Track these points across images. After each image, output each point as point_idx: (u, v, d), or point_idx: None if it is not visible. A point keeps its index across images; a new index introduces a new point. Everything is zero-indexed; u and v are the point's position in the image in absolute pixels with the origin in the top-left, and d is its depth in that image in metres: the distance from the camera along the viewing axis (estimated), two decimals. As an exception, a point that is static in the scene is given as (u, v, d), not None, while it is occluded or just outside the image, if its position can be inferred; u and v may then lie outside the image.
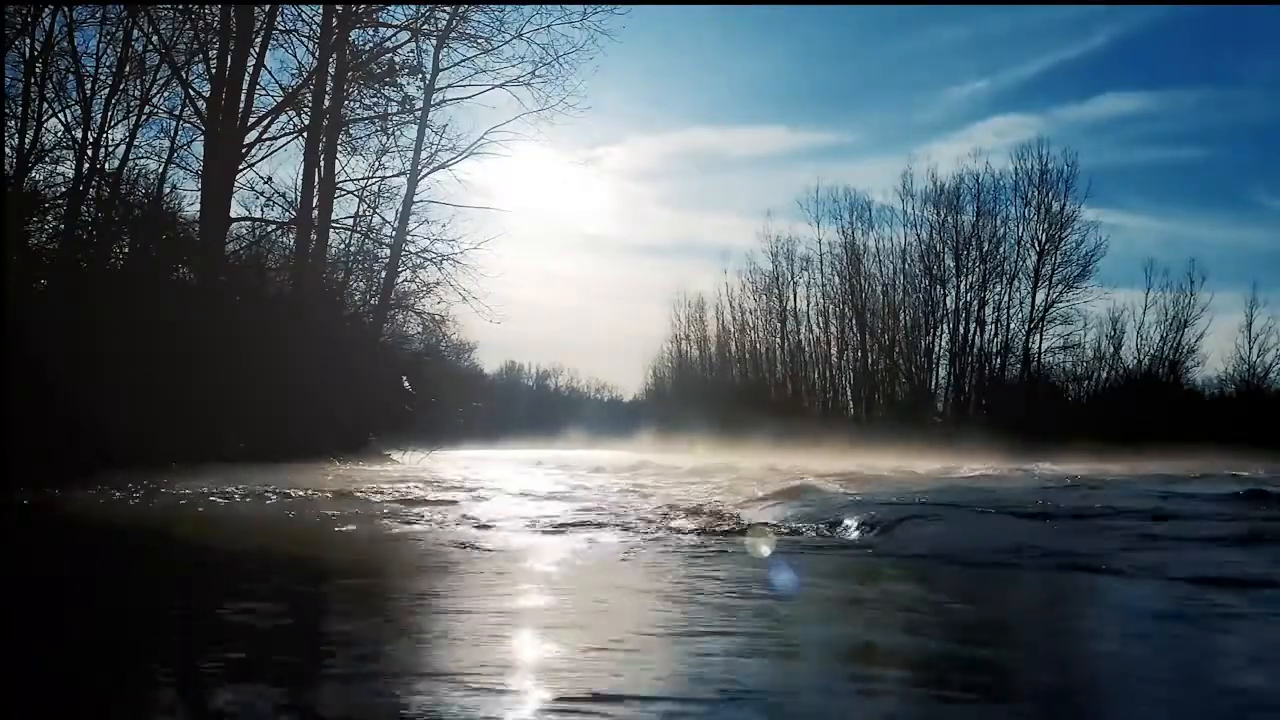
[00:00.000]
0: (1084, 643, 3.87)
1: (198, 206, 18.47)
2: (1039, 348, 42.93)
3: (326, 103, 19.87)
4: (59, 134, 16.45)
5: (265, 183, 19.99)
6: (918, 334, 44.85)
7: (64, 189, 16.48)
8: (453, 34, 21.01)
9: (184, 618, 4.04)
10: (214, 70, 18.45)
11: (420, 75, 21.18)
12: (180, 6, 17.93)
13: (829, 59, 76.79)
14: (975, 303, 43.50)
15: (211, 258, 17.93)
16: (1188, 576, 4.96)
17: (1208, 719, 2.75)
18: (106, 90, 16.92)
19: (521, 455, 32.90)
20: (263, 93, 19.54)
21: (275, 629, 3.86)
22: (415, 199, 21.32)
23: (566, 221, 68.88)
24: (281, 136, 20.10)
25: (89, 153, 16.47)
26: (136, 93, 17.60)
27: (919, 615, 4.28)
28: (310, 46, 20.07)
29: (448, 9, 20.76)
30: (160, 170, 18.33)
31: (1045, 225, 42.66)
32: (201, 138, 18.66)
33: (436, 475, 15.05)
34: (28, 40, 15.94)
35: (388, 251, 22.01)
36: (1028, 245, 42.95)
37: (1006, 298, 43.18)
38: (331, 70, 20.03)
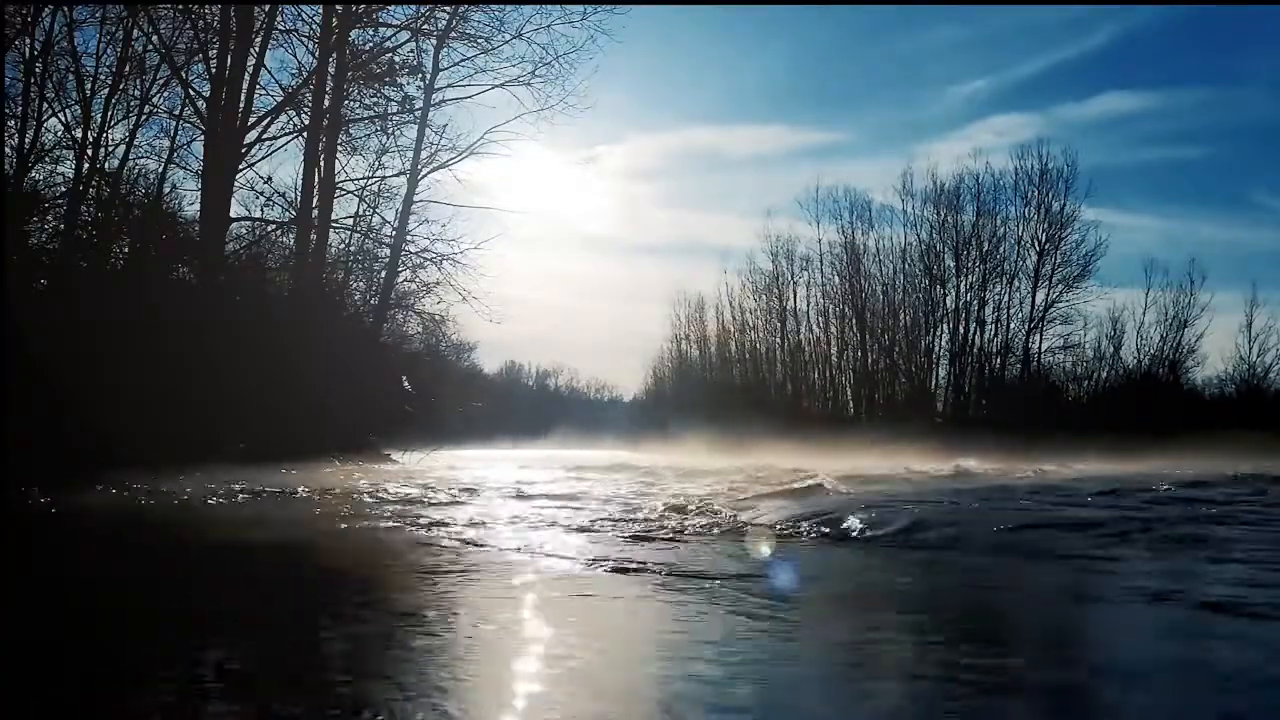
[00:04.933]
0: (1085, 638, 3.87)
1: (198, 206, 18.50)
2: (1039, 348, 42.94)
3: (326, 103, 19.85)
4: (59, 134, 16.48)
5: (265, 183, 20.01)
6: (918, 334, 44.83)
7: (64, 189, 16.50)
8: (452, 34, 21.02)
9: (184, 618, 4.03)
10: (214, 70, 18.44)
11: (420, 75, 21.18)
12: (180, 6, 17.93)
13: (829, 59, 76.93)
14: (975, 303, 43.49)
15: (211, 258, 17.92)
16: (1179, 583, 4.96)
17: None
18: (106, 90, 16.95)
19: (521, 455, 32.91)
20: (263, 93, 19.56)
21: (275, 630, 3.86)
22: (415, 199, 21.33)
23: (566, 221, 68.82)
24: (281, 136, 20.12)
25: (89, 153, 16.48)
26: (136, 93, 17.62)
27: (920, 615, 4.28)
28: (310, 46, 20.08)
29: (448, 9, 20.76)
30: (160, 170, 18.35)
31: (1045, 225, 42.65)
32: (201, 138, 18.66)
33: (436, 475, 15.05)
34: (28, 40, 15.96)
35: (388, 251, 22.01)
36: (1028, 245, 42.94)
37: (1006, 298, 43.18)
38: (331, 70, 20.01)
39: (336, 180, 20.62)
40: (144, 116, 17.74)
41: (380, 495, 10.16)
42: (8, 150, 15.24)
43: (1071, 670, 3.31)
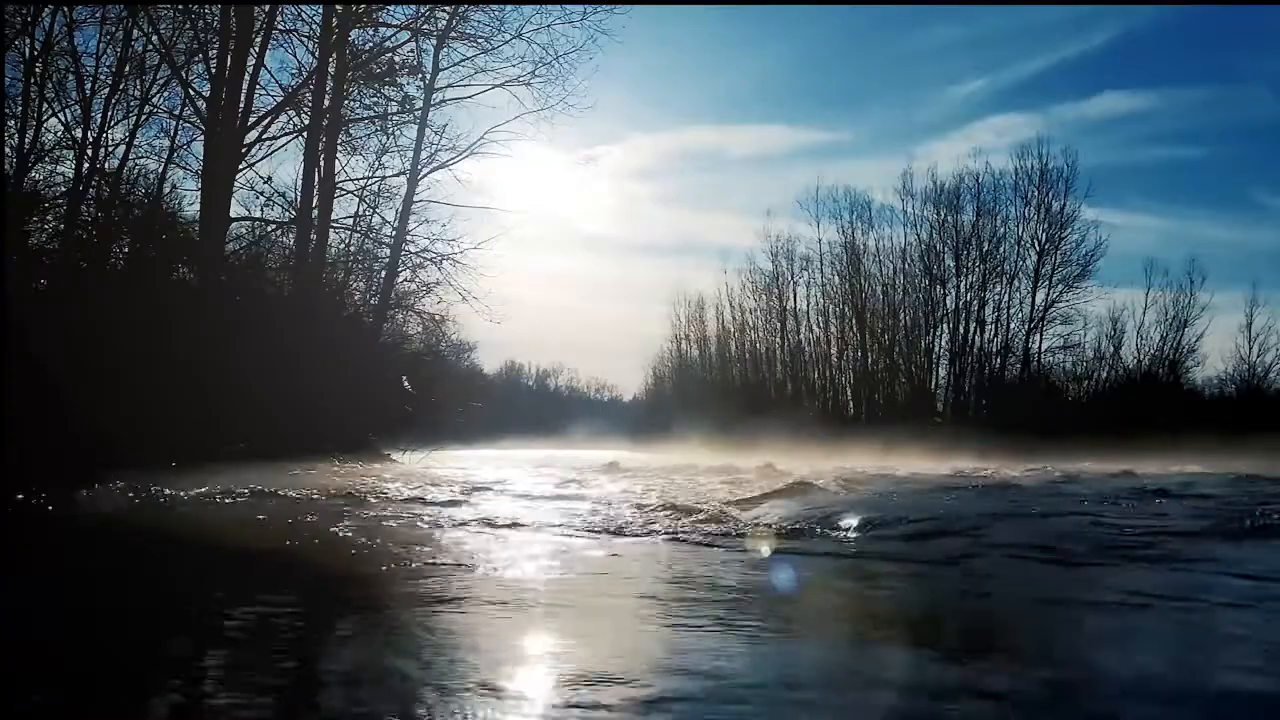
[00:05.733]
0: (1082, 637, 3.87)
1: (198, 206, 18.48)
2: (1039, 348, 42.97)
3: (326, 102, 19.85)
4: (59, 134, 16.47)
5: (265, 183, 20.00)
6: (918, 334, 44.85)
7: (64, 189, 16.49)
8: (452, 34, 21.02)
9: (183, 618, 4.04)
10: (214, 70, 18.44)
11: (420, 75, 21.20)
12: (180, 6, 17.93)
13: (829, 59, 76.98)
14: (975, 303, 43.52)
15: (211, 258, 17.92)
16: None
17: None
18: (106, 90, 16.94)
19: (521, 455, 32.91)
20: (263, 92, 19.56)
21: (274, 630, 3.87)
22: (415, 199, 21.33)
23: (566, 221, 69.12)
24: (281, 136, 20.11)
25: (89, 153, 16.48)
26: (136, 93, 17.61)
27: (919, 614, 4.28)
28: (310, 46, 20.08)
29: (448, 9, 20.77)
30: (160, 170, 18.33)
31: (1045, 225, 42.69)
32: (201, 138, 18.65)
33: (436, 475, 15.05)
34: (28, 40, 15.95)
35: (388, 251, 22.03)
36: (1028, 245, 42.98)
37: (1006, 298, 43.21)
38: (331, 70, 20.01)
39: (336, 180, 20.63)
40: (144, 116, 17.75)
41: (379, 495, 10.16)
42: (8, 150, 15.25)
43: (1072, 669, 3.32)
